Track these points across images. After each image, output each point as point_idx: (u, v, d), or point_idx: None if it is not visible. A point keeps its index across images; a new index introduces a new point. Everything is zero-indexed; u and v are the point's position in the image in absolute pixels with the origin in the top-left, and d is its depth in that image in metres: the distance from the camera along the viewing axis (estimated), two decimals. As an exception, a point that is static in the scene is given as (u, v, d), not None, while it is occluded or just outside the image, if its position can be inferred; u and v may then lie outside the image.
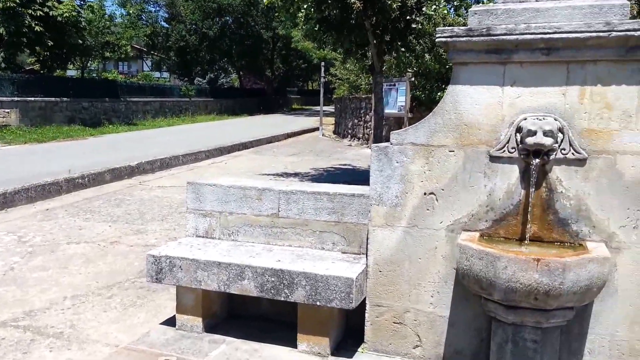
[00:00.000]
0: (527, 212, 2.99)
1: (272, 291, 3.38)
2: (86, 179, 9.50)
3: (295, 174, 11.23)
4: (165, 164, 12.14)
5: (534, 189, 2.97)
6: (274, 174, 11.15)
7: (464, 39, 2.94)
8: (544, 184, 2.99)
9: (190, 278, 3.53)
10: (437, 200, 3.22)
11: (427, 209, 3.24)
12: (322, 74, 19.24)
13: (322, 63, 19.69)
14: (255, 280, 3.40)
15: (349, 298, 3.21)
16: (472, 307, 3.18)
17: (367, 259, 3.43)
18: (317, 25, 7.43)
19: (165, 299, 4.41)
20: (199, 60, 38.07)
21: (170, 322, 3.84)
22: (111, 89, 23.41)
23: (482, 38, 2.91)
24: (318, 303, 3.29)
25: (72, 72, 29.52)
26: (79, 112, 20.66)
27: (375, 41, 7.90)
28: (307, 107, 46.73)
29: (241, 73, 44.27)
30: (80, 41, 21.16)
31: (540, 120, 2.90)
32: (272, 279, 3.36)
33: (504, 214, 3.09)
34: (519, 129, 2.97)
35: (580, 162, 2.92)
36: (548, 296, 2.62)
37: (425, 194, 3.24)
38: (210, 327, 3.76)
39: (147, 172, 11.36)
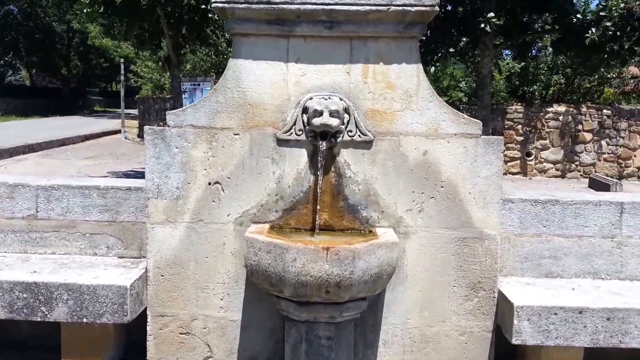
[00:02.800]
0: (317, 200, 2.80)
1: (25, 310, 2.72)
2: None
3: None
4: None
5: (322, 174, 2.78)
6: (62, 179, 9.81)
7: (242, 5, 2.64)
8: (332, 169, 2.83)
9: None
10: (223, 190, 2.87)
11: (213, 201, 2.88)
12: (122, 72, 17.84)
13: (122, 60, 18.27)
14: (1, 299, 2.70)
15: (123, 310, 2.70)
16: (265, 308, 2.89)
17: (147, 262, 2.95)
18: (103, 8, 6.63)
19: None
20: (-25, 54, 32.93)
21: None
22: None
23: (262, 6, 2.63)
24: (85, 320, 2.72)
25: None
26: None
27: (171, 32, 7.37)
28: (110, 110, 43.31)
29: (32, 70, 39.40)
30: None
31: (326, 99, 2.72)
32: (24, 296, 2.70)
33: (294, 202, 2.86)
34: (305, 110, 2.76)
35: (367, 144, 2.82)
36: (339, 288, 2.43)
37: (210, 183, 2.87)
38: (-60, 366, 2.92)
39: None
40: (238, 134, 2.83)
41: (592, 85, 12.18)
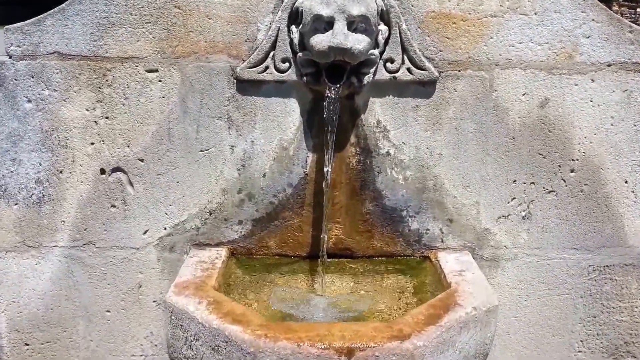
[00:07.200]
0: (324, 200, 1.39)
1: None
2: None
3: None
4: None
5: (332, 150, 1.36)
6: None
7: None
8: (353, 139, 1.40)
9: None
10: (131, 184, 1.44)
11: (113, 205, 1.45)
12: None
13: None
14: None
15: None
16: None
17: None
18: None
19: None
20: None
21: None
22: None
23: None
24: None
25: None
26: None
27: None
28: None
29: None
30: None
31: (340, -9, 1.24)
32: None
33: (275, 205, 1.44)
34: (295, 16, 1.29)
35: (424, 87, 1.37)
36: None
37: (103, 171, 1.43)
38: None
39: None
40: (156, 71, 1.36)
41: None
